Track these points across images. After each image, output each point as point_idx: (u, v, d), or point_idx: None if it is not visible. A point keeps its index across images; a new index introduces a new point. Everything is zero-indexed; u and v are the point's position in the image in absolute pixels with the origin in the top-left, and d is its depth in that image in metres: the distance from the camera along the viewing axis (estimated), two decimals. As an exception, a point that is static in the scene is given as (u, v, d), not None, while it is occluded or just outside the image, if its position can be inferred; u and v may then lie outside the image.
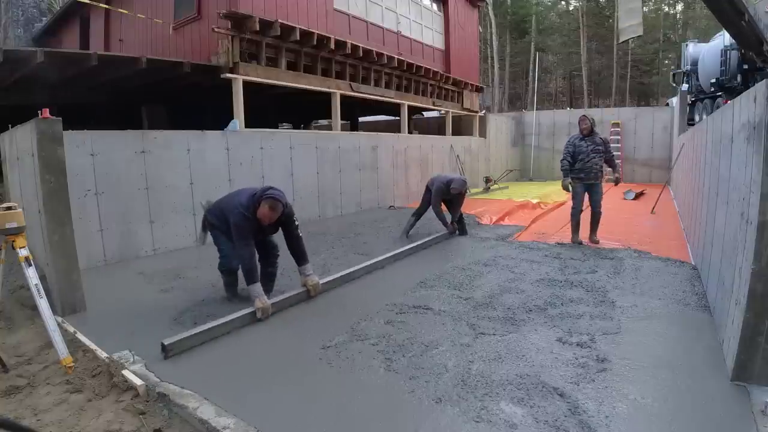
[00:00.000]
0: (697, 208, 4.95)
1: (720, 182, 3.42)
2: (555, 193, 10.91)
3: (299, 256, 3.80)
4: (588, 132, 5.57)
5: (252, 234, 3.49)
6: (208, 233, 3.86)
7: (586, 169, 5.54)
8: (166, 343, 2.83)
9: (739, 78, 8.97)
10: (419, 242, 5.71)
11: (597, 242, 5.71)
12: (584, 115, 5.71)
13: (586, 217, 5.77)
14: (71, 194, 3.66)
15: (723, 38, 9.34)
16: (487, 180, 12.33)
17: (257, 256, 3.64)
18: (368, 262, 4.75)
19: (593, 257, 5.00)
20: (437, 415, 2.18)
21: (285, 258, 3.94)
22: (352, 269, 4.51)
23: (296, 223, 3.73)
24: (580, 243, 5.67)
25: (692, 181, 5.78)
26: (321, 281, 3.99)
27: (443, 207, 6.33)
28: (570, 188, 5.66)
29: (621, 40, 6.28)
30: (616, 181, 6.00)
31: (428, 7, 12.01)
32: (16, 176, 5.09)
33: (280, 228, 3.73)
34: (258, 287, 3.45)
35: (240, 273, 3.63)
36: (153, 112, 10.32)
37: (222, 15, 6.68)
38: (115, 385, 2.55)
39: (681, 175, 8.49)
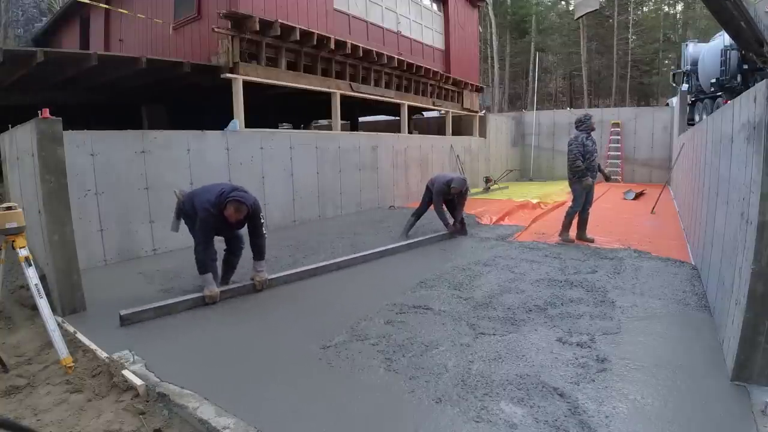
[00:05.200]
0: (697, 208, 4.95)
1: (720, 182, 3.42)
2: (555, 193, 10.91)
3: (257, 253, 4.01)
4: (592, 130, 5.66)
5: (213, 230, 3.76)
6: (182, 221, 4.07)
7: (591, 168, 5.63)
8: (122, 314, 3.29)
9: (739, 78, 8.96)
10: (409, 241, 5.80)
11: (592, 240, 5.73)
12: (588, 114, 5.85)
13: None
14: (71, 194, 3.67)
15: (723, 38, 9.33)
16: (487, 180, 12.33)
17: (225, 245, 4.11)
18: (344, 258, 4.92)
19: (593, 257, 5.00)
20: (437, 415, 2.18)
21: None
22: (322, 264, 4.70)
23: (262, 221, 3.92)
24: (572, 241, 5.73)
25: (692, 181, 5.79)
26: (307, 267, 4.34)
27: (444, 207, 6.35)
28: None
29: (577, 16, 6.29)
30: (607, 177, 6.16)
31: (428, 7, 12.01)
32: (16, 176, 5.09)
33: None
34: (209, 277, 3.74)
35: (218, 263, 4.00)
36: (153, 112, 10.32)
37: (222, 15, 6.68)
38: (115, 385, 2.55)
39: (681, 175, 8.49)
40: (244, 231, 4.11)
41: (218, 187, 3.79)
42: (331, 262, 4.84)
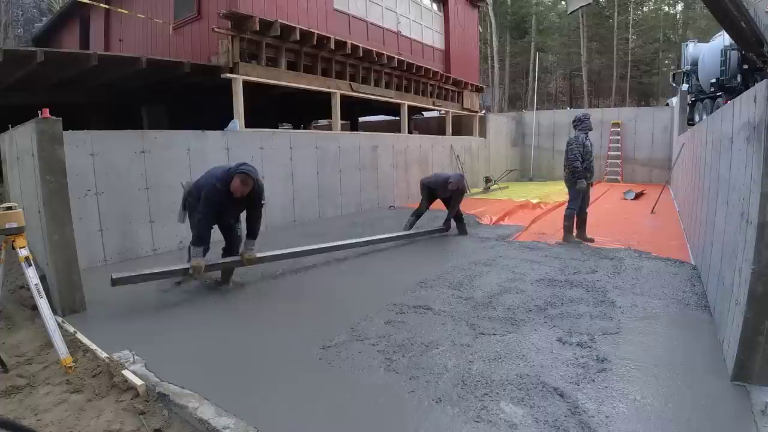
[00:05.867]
0: (697, 208, 4.95)
1: (720, 182, 3.42)
2: (555, 193, 10.91)
3: (251, 232, 4.06)
4: (590, 129, 5.64)
5: (217, 207, 3.77)
6: (187, 212, 4.10)
7: (591, 168, 5.60)
8: (114, 277, 3.48)
9: (739, 78, 8.95)
10: (403, 233, 5.97)
11: (592, 240, 5.72)
12: (587, 113, 5.80)
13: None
14: (71, 194, 3.66)
15: (723, 38, 9.32)
16: (487, 180, 12.33)
17: (224, 244, 4.18)
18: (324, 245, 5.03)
19: (593, 257, 5.00)
20: (437, 415, 2.18)
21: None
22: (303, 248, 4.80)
23: (263, 202, 3.98)
24: (579, 241, 5.71)
25: (692, 181, 5.78)
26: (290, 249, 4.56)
27: (442, 206, 6.38)
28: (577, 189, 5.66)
29: (570, 11, 6.26)
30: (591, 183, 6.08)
31: (428, 7, 12.01)
32: (16, 176, 5.08)
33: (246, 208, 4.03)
34: (199, 250, 3.77)
35: (213, 257, 4.07)
36: (153, 112, 10.32)
37: (222, 15, 6.68)
38: (115, 385, 2.54)
39: (681, 175, 8.49)
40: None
41: (225, 166, 3.85)
42: (321, 246, 4.94)
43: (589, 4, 6.33)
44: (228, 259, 4.11)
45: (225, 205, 3.80)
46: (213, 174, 3.76)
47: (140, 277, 3.66)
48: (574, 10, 6.04)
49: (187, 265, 3.80)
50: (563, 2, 35.02)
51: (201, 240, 3.77)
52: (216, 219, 3.92)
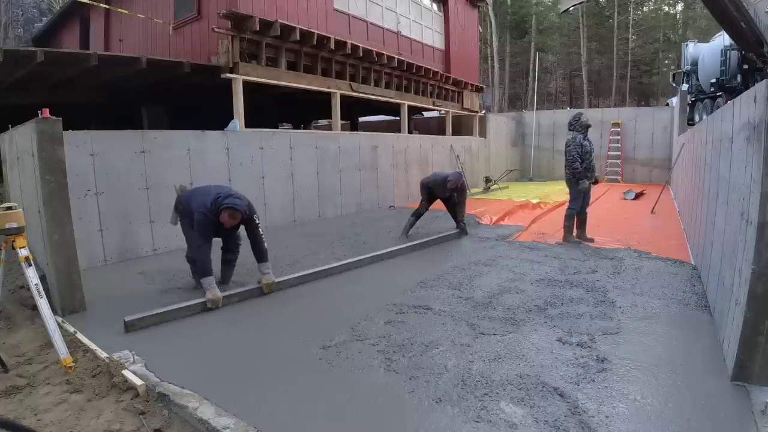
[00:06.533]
0: (697, 208, 4.95)
1: (720, 182, 3.42)
2: (555, 193, 10.91)
3: (259, 255, 4.00)
4: (589, 126, 5.62)
5: (210, 232, 3.76)
6: (179, 216, 4.10)
7: (591, 168, 5.59)
8: (126, 320, 3.23)
9: (739, 78, 8.95)
10: (423, 239, 5.78)
11: (592, 240, 5.72)
12: (579, 113, 5.79)
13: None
14: (71, 194, 3.66)
15: (723, 38, 9.32)
16: (487, 180, 12.33)
17: (222, 244, 4.14)
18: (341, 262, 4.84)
19: (593, 257, 5.00)
20: (437, 415, 2.18)
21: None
22: (325, 267, 4.65)
23: (257, 222, 3.92)
24: (579, 241, 5.71)
25: (692, 181, 5.79)
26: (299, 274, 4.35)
27: (444, 207, 6.37)
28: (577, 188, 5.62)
29: (563, 10, 6.27)
30: (596, 181, 6.00)
31: (428, 7, 12.01)
32: (16, 176, 5.08)
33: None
34: (210, 280, 3.70)
35: (215, 265, 3.96)
36: (153, 112, 10.33)
37: (222, 15, 6.68)
38: (115, 385, 2.54)
39: (681, 175, 8.49)
40: (241, 230, 4.12)
41: (214, 191, 3.79)
42: (341, 263, 4.77)
43: (582, 3, 6.34)
44: (247, 288, 4.01)
45: (218, 230, 3.82)
46: (203, 202, 3.68)
47: (155, 317, 3.40)
48: (566, 9, 6.04)
49: (203, 299, 3.64)
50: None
51: (205, 268, 3.69)
52: (214, 236, 3.90)
